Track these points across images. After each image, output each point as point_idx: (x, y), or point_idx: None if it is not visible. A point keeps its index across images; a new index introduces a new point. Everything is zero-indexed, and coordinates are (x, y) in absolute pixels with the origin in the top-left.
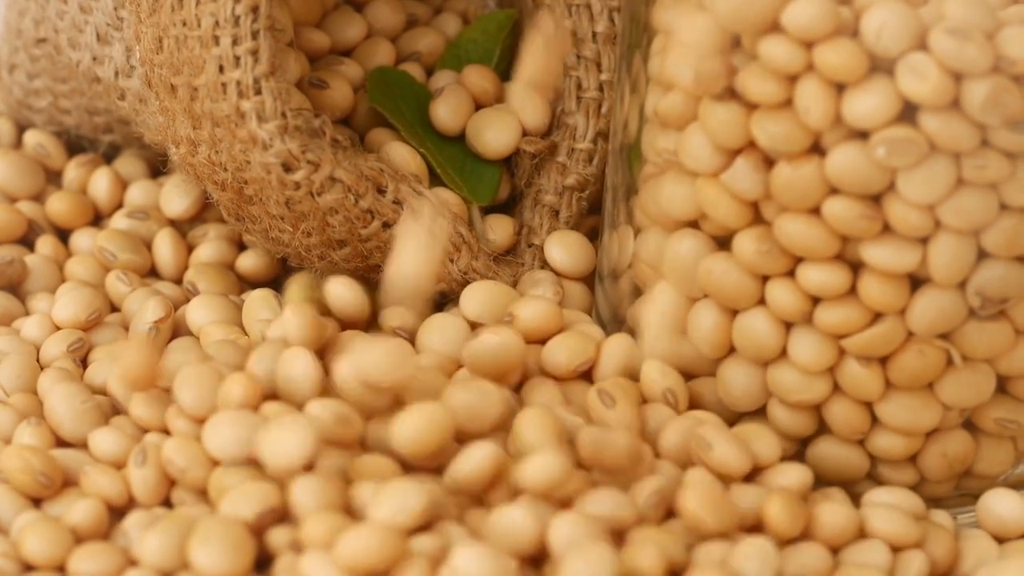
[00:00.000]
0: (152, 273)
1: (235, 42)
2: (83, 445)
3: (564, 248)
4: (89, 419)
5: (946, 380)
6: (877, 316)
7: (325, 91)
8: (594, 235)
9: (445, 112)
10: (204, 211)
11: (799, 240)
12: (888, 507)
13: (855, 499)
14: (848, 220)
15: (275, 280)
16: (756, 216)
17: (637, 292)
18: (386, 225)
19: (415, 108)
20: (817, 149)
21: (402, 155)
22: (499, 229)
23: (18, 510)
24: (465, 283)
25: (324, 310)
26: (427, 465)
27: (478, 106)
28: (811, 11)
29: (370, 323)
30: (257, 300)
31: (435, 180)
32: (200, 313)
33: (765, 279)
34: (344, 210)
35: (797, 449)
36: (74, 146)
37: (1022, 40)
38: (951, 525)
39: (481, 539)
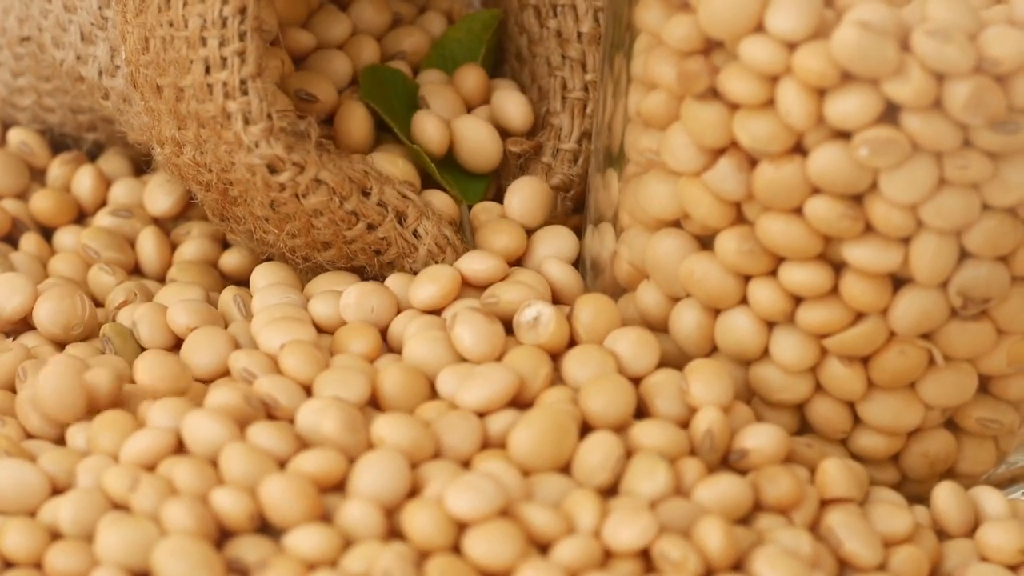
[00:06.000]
0: (136, 271)
1: (222, 43)
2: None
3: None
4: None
5: (928, 380)
6: (859, 316)
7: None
8: (578, 233)
9: (431, 128)
10: (188, 209)
11: (781, 240)
12: (881, 502)
13: None
14: (830, 220)
15: None
16: (738, 216)
17: (619, 290)
18: (370, 227)
19: (407, 106)
20: (799, 149)
21: (392, 162)
22: None
23: None
24: None
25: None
26: None
27: (468, 107)
28: (794, 12)
29: None
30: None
31: (425, 179)
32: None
33: (747, 279)
34: (329, 212)
35: None
36: (58, 144)
37: (1005, 40)
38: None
39: None
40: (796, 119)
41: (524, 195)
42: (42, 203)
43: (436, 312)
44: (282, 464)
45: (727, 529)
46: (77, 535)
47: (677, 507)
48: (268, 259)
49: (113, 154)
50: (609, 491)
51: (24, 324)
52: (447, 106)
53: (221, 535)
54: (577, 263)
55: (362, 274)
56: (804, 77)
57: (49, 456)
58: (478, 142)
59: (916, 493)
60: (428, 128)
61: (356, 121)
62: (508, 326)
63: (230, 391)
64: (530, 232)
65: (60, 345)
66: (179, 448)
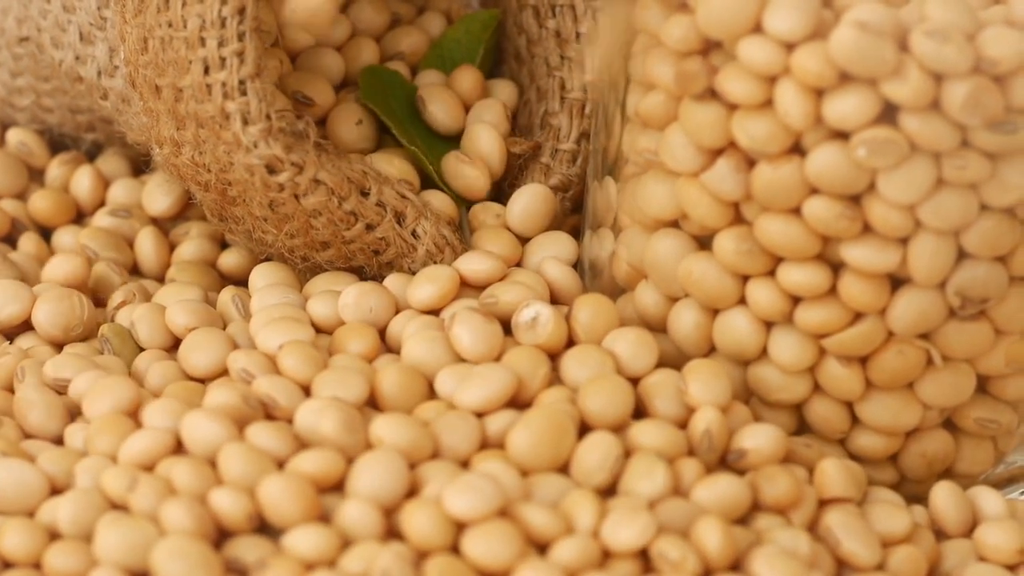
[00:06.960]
0: (134, 271)
1: (221, 44)
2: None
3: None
4: (60, 415)
5: (926, 380)
6: (857, 316)
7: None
8: (577, 234)
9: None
10: (186, 209)
11: (779, 240)
12: (879, 502)
13: None
14: (828, 220)
15: None
16: (737, 216)
17: (618, 290)
18: (369, 227)
19: (406, 106)
20: (798, 149)
21: (390, 161)
22: None
23: None
24: None
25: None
26: None
27: (466, 108)
28: (792, 13)
29: None
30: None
31: (424, 179)
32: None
33: (746, 279)
34: (327, 212)
35: None
36: (57, 144)
37: (1003, 41)
38: (932, 523)
39: None
40: (794, 119)
41: (526, 203)
42: (41, 203)
43: (435, 312)
44: (281, 464)
45: (726, 529)
46: (76, 535)
47: (676, 507)
48: (267, 259)
49: (112, 154)
50: (608, 491)
51: (24, 325)
52: (445, 108)
53: (220, 535)
54: (576, 267)
55: (361, 274)
56: (802, 77)
57: (48, 456)
58: (485, 158)
59: (914, 493)
60: (467, 174)
61: (350, 123)
62: (507, 326)
63: (229, 391)
64: (530, 239)
65: (59, 346)
66: (178, 448)
